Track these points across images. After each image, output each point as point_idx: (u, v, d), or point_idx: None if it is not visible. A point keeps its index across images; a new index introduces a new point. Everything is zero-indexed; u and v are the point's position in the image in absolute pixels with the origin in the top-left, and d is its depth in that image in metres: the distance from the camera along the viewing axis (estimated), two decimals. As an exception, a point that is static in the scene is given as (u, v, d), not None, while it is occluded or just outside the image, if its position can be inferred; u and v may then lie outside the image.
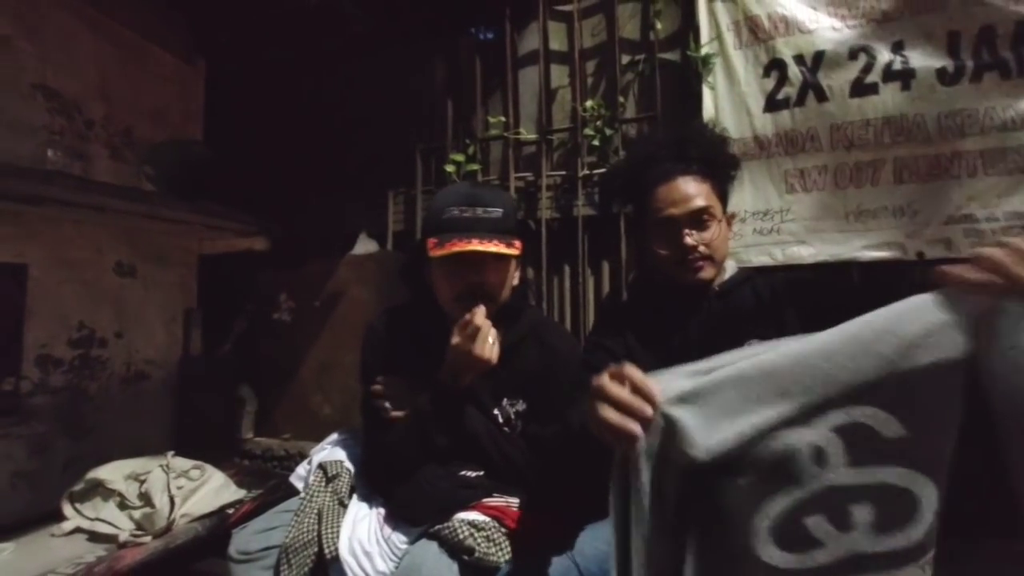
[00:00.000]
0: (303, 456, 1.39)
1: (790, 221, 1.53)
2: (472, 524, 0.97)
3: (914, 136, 1.41)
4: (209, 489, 1.48)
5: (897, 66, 1.42)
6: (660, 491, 0.59)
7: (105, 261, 1.84)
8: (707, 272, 1.02)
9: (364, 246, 1.99)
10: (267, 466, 1.93)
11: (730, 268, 1.10)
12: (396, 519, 1.03)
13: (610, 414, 0.59)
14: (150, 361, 1.98)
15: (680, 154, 1.05)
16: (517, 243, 1.07)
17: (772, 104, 1.55)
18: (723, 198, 1.08)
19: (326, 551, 0.99)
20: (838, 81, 1.48)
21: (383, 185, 2.03)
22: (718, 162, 1.08)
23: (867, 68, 1.45)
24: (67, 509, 1.41)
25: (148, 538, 1.32)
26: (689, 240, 1.00)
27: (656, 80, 1.72)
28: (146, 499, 1.39)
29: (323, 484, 1.15)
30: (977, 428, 0.56)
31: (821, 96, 1.49)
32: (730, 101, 1.60)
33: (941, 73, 1.39)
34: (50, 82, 1.70)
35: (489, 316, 1.02)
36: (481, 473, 1.08)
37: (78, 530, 1.37)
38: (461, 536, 0.95)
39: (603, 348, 1.05)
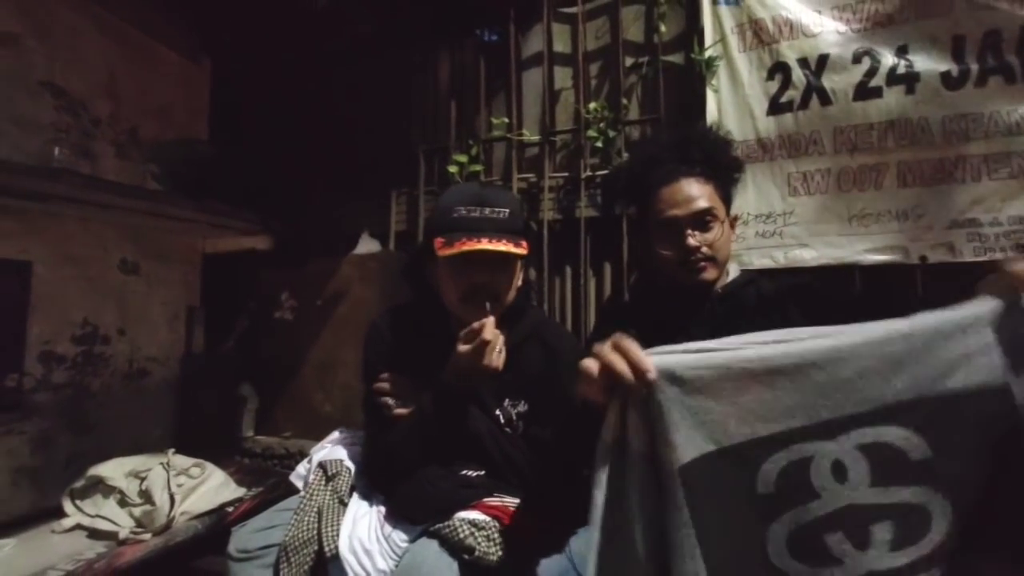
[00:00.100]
0: (303, 455, 1.39)
1: (793, 224, 1.53)
2: (472, 523, 0.97)
3: (918, 140, 1.41)
4: (209, 487, 1.48)
5: (901, 70, 1.42)
6: (652, 462, 0.60)
7: (109, 258, 1.85)
8: (709, 273, 1.02)
9: (366, 246, 1.99)
10: (267, 464, 1.93)
11: (733, 271, 1.10)
12: (396, 517, 1.03)
13: (613, 357, 0.63)
14: (152, 358, 1.99)
15: (683, 156, 1.05)
16: (524, 243, 1.07)
17: (776, 107, 1.55)
18: (726, 200, 1.08)
19: (326, 549, 0.99)
20: (842, 84, 1.48)
21: (386, 185, 2.03)
22: (721, 164, 1.08)
23: (871, 72, 1.45)
24: (68, 506, 1.41)
25: (148, 535, 1.32)
26: (692, 241, 1.00)
27: (660, 82, 1.72)
28: (146, 496, 1.39)
29: (323, 483, 1.15)
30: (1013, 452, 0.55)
31: (825, 99, 1.49)
32: (734, 104, 1.60)
33: (945, 77, 1.39)
34: (57, 80, 1.71)
35: (496, 316, 1.01)
36: (482, 473, 1.08)
37: (78, 527, 1.37)
38: (461, 535, 0.95)
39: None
